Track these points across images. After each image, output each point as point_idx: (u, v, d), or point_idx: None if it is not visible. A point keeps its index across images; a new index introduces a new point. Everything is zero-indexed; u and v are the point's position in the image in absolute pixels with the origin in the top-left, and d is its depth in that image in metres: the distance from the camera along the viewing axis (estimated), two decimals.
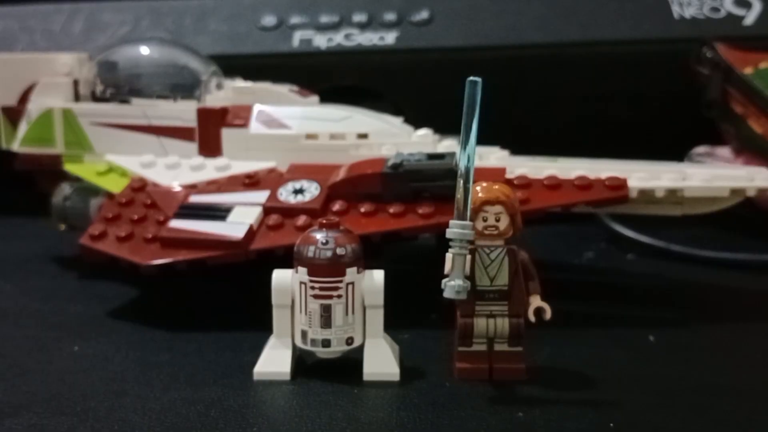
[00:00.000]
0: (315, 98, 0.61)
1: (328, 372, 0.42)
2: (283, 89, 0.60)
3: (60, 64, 0.61)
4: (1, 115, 0.64)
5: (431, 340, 0.47)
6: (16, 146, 0.62)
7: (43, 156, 0.60)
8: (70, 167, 0.59)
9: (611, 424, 0.37)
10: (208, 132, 0.57)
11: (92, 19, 0.80)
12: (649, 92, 0.74)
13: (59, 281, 0.58)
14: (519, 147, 0.57)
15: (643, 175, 0.50)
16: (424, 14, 0.76)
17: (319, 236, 0.41)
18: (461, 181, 0.39)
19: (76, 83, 0.61)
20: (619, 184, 0.49)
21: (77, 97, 0.61)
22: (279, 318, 0.42)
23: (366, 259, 0.42)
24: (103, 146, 0.59)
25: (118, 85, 0.60)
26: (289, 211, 0.50)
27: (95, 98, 0.60)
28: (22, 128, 0.62)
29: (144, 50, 0.62)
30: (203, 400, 0.39)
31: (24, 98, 0.62)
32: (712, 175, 0.50)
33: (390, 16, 0.76)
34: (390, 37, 0.75)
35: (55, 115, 0.60)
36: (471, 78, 0.38)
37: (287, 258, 0.44)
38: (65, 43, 0.78)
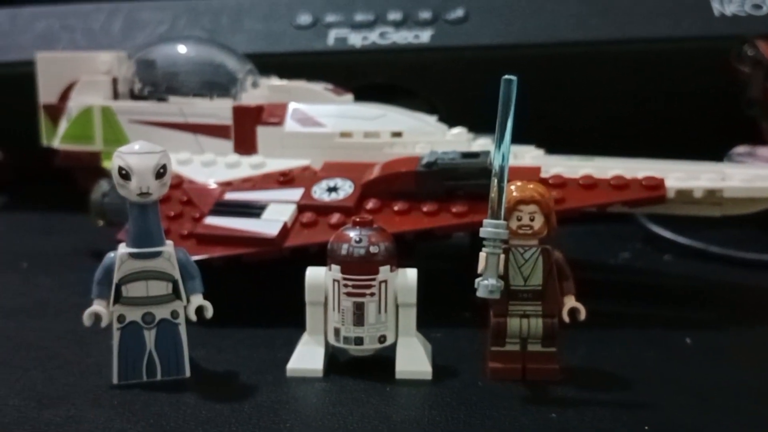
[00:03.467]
0: (349, 96, 0.62)
1: (360, 369, 0.42)
2: (318, 87, 0.61)
3: (100, 62, 0.63)
4: (43, 113, 0.65)
5: (463, 340, 0.47)
6: (56, 143, 0.63)
7: (83, 153, 0.61)
8: (108, 164, 0.60)
9: (646, 427, 0.36)
10: (244, 130, 0.58)
11: (131, 18, 0.81)
12: (688, 91, 0.73)
13: None
14: (554, 146, 0.57)
15: (681, 175, 0.50)
16: (459, 12, 0.76)
17: (353, 234, 0.41)
18: (496, 180, 0.38)
19: (115, 81, 0.62)
20: (656, 184, 0.48)
21: (116, 95, 0.62)
22: (312, 315, 0.43)
23: (399, 258, 0.42)
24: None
25: (155, 83, 0.61)
26: (323, 209, 0.50)
27: (133, 96, 0.61)
28: (63, 125, 0.63)
29: (181, 49, 0.63)
30: (237, 396, 0.40)
31: (64, 96, 0.63)
32: (752, 176, 0.49)
33: (425, 15, 0.76)
34: (425, 36, 0.75)
35: (94, 112, 0.61)
36: (506, 76, 0.38)
37: (321, 255, 0.44)
38: (105, 41, 0.79)
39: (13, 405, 0.38)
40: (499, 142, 0.38)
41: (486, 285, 0.38)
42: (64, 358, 0.44)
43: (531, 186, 0.40)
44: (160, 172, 0.39)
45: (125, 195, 0.40)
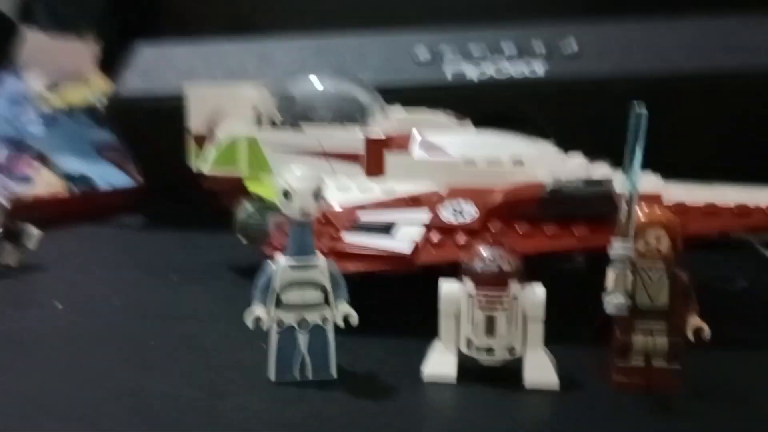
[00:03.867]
0: (471, 125, 0.66)
1: (490, 378, 0.46)
2: (442, 118, 0.65)
3: (245, 95, 0.69)
4: (192, 141, 0.73)
5: (586, 356, 0.49)
6: (205, 168, 0.70)
7: (229, 177, 0.68)
8: (252, 187, 0.66)
9: None
10: (375, 157, 0.62)
11: (264, 54, 0.88)
12: None
13: (241, 287, 0.65)
14: (671, 173, 0.58)
15: None
16: (573, 46, 0.79)
17: (486, 252, 0.45)
18: (626, 205, 0.41)
19: (258, 113, 0.69)
20: None
21: (259, 125, 0.69)
22: (446, 325, 0.46)
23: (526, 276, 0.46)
24: (281, 169, 0.65)
25: (294, 115, 0.67)
26: (450, 230, 0.54)
27: (274, 126, 0.68)
28: (211, 152, 0.70)
29: (317, 83, 0.69)
30: (380, 396, 0.44)
31: (212, 126, 0.70)
32: None
33: (539, 49, 0.79)
34: (539, 68, 0.78)
35: (240, 141, 0.67)
36: (638, 110, 0.41)
37: (448, 272, 0.48)
38: (240, 76, 0.86)
39: (186, 396, 0.44)
40: (629, 170, 0.41)
41: (613, 302, 0.41)
42: (224, 357, 0.50)
43: (658, 210, 0.43)
44: (317, 194, 0.44)
45: (287, 213, 0.45)
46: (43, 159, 0.98)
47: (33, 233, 0.72)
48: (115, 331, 0.55)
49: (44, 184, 0.94)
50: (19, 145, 0.98)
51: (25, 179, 0.93)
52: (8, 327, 0.56)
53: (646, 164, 0.56)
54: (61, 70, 1.18)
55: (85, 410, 0.42)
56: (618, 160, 0.42)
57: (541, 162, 0.59)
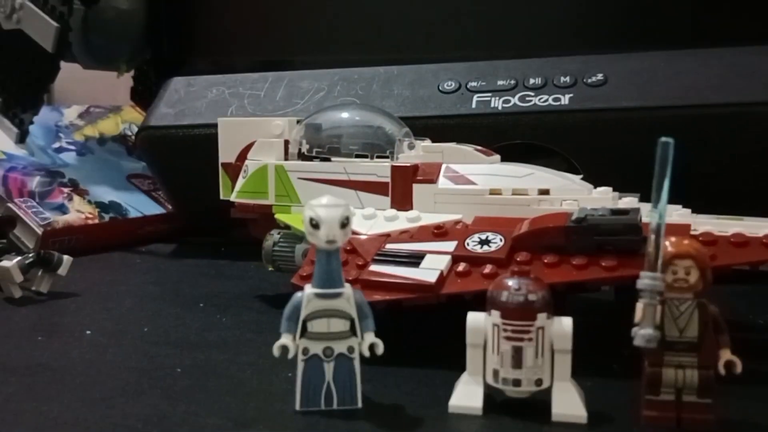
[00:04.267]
0: (497, 157, 0.66)
1: (517, 410, 0.45)
2: (468, 148, 0.65)
3: (273, 126, 0.70)
4: (222, 170, 0.74)
5: (614, 389, 0.49)
6: (233, 197, 0.71)
7: (257, 206, 0.69)
8: (279, 216, 0.67)
9: None
10: (401, 187, 0.63)
11: (292, 85, 0.89)
12: None
13: (267, 316, 0.66)
14: (698, 206, 0.58)
15: None
16: (599, 76, 0.79)
17: (512, 283, 0.45)
18: (653, 236, 0.41)
19: (286, 143, 0.70)
20: None
21: (287, 155, 0.69)
22: (472, 357, 0.46)
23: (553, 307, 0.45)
24: (309, 198, 0.65)
25: (321, 144, 0.68)
26: (476, 260, 0.54)
27: (301, 156, 0.68)
28: (240, 181, 0.71)
29: (344, 114, 0.70)
30: (405, 427, 0.44)
31: (242, 156, 0.71)
32: None
33: (565, 79, 0.80)
34: (565, 99, 0.78)
35: (268, 170, 0.68)
36: (663, 139, 0.41)
37: (474, 302, 0.47)
38: (269, 107, 0.88)
39: (213, 424, 0.44)
40: (656, 201, 0.41)
41: (643, 334, 0.41)
42: (250, 386, 0.50)
43: (686, 242, 0.42)
44: (344, 223, 0.45)
45: (314, 242, 0.45)
46: (75, 187, 1.00)
47: (64, 260, 0.73)
48: (142, 359, 0.56)
49: (76, 212, 0.96)
50: (52, 174, 1.00)
51: (58, 207, 0.95)
52: (38, 353, 0.57)
53: (675, 196, 0.56)
54: (95, 101, 1.21)
55: None
56: (646, 194, 0.41)
57: (567, 193, 0.59)
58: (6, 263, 0.71)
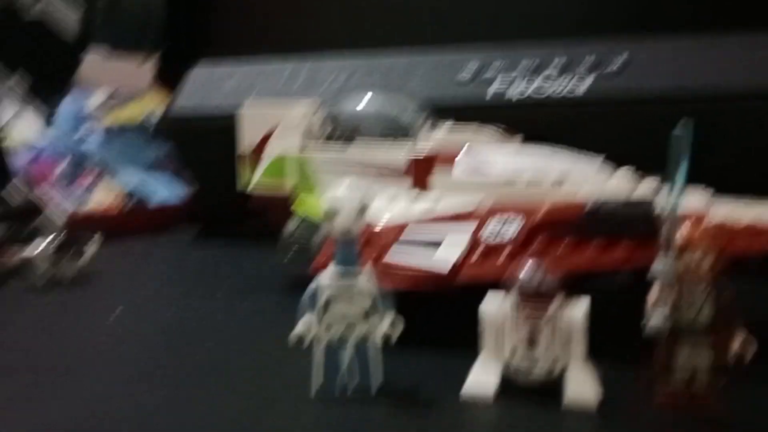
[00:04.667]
0: (518, 141, 0.66)
1: (531, 394, 0.46)
2: (489, 135, 0.65)
3: (294, 113, 0.71)
4: (242, 159, 0.75)
5: (628, 373, 0.49)
6: (252, 185, 0.72)
7: (277, 194, 0.70)
8: (298, 204, 0.68)
9: None
10: (419, 173, 0.63)
11: (311, 74, 0.90)
12: None
13: (285, 303, 0.66)
14: (719, 193, 0.58)
15: None
16: (618, 64, 0.78)
17: (528, 268, 0.45)
18: (668, 222, 0.41)
19: (306, 130, 0.70)
20: None
21: (307, 143, 0.70)
22: (487, 341, 0.47)
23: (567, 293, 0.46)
24: (328, 186, 0.66)
25: (341, 132, 0.68)
26: (493, 247, 0.55)
27: (320, 144, 0.69)
28: (259, 170, 0.72)
29: (363, 101, 0.70)
30: (421, 413, 0.44)
31: (261, 144, 0.72)
32: None
33: (582, 69, 0.79)
34: (581, 88, 0.78)
35: (287, 158, 0.69)
36: (680, 124, 0.41)
37: (491, 286, 0.48)
38: (288, 95, 0.88)
39: (232, 409, 0.45)
40: (672, 188, 0.41)
41: (656, 320, 0.41)
42: (269, 371, 0.51)
43: (702, 228, 0.43)
44: (362, 211, 0.45)
45: (332, 230, 0.46)
46: (100, 173, 1.02)
47: (90, 245, 0.75)
48: (165, 343, 0.57)
49: (101, 197, 0.98)
50: (78, 160, 1.02)
51: (84, 193, 0.97)
52: (64, 336, 0.58)
53: (694, 182, 0.56)
54: (119, 88, 1.22)
55: (137, 421, 0.43)
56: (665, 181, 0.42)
57: (583, 180, 0.59)
58: (32, 248, 0.73)
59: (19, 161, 0.94)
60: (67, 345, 0.57)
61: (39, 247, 0.73)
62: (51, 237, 0.82)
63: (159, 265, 0.85)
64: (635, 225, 0.51)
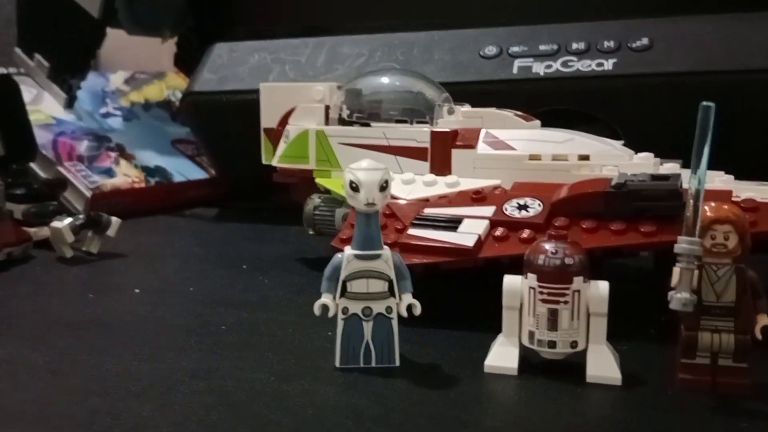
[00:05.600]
0: (537, 123, 0.66)
1: (552, 371, 0.46)
2: (509, 114, 0.65)
3: (314, 92, 0.71)
4: (264, 136, 0.75)
5: (650, 353, 0.49)
6: (275, 162, 0.73)
7: (298, 170, 0.70)
8: (320, 181, 0.68)
9: None
10: (440, 152, 0.63)
11: (333, 51, 0.90)
12: None
13: (308, 277, 0.68)
14: (742, 173, 0.57)
15: None
16: (644, 40, 0.78)
17: (549, 246, 0.45)
18: (691, 201, 0.41)
19: (327, 108, 0.71)
20: None
21: (327, 121, 0.71)
22: (508, 319, 0.47)
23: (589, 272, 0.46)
24: (349, 163, 0.66)
25: (361, 110, 0.68)
26: (514, 225, 0.55)
27: (342, 121, 0.69)
28: (281, 146, 0.72)
29: (384, 79, 0.70)
30: (442, 384, 0.45)
31: (284, 121, 0.73)
32: None
33: (609, 44, 0.79)
34: (608, 63, 0.78)
35: (309, 135, 0.69)
36: (704, 103, 0.41)
37: (511, 267, 0.48)
38: (310, 72, 0.89)
39: (256, 378, 0.46)
40: (696, 166, 0.41)
41: (680, 298, 0.41)
42: (292, 343, 0.52)
43: (726, 207, 0.42)
44: (383, 186, 0.46)
45: (354, 205, 0.46)
46: (122, 152, 1.03)
47: (113, 222, 0.76)
48: (189, 316, 0.58)
49: (123, 175, 0.99)
50: (100, 139, 1.03)
51: (106, 171, 0.98)
52: (91, 310, 0.59)
53: (718, 162, 0.56)
54: (140, 67, 1.23)
55: (163, 387, 0.44)
56: (690, 160, 0.41)
57: (607, 158, 0.59)
58: (57, 224, 0.74)
59: (43, 138, 0.96)
60: (95, 315, 0.58)
61: (65, 221, 0.74)
62: (76, 212, 0.83)
63: (183, 241, 0.86)
64: (660, 202, 0.50)
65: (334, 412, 0.41)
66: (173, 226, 0.94)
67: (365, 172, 0.46)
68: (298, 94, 0.72)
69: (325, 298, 0.47)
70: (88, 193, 0.92)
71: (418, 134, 0.64)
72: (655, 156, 0.60)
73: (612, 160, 0.59)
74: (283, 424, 0.40)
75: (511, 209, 0.56)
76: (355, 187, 0.46)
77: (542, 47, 0.81)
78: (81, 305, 0.61)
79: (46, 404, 0.42)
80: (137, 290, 0.65)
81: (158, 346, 0.51)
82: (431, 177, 0.62)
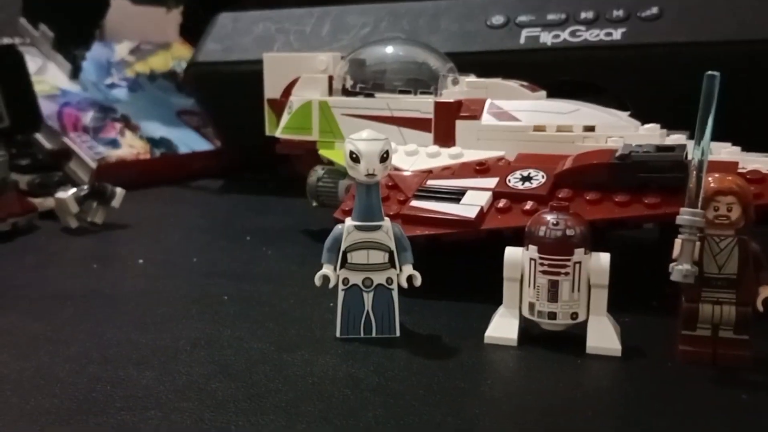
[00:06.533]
0: (543, 93, 0.65)
1: (552, 342, 0.46)
2: (514, 84, 0.65)
3: (318, 62, 0.71)
4: (267, 106, 0.75)
5: (652, 325, 0.49)
6: (278, 133, 0.73)
7: (301, 141, 0.70)
8: (323, 152, 0.68)
9: None
10: (444, 123, 0.63)
11: (338, 20, 0.89)
12: None
13: (310, 249, 0.68)
14: (751, 144, 0.57)
15: None
16: (653, 10, 0.77)
17: (550, 218, 0.45)
18: (694, 172, 0.41)
19: (330, 79, 0.70)
20: None
21: (331, 91, 0.70)
22: (509, 290, 0.47)
23: (591, 244, 0.46)
24: (352, 134, 0.67)
25: (365, 80, 0.68)
26: (517, 197, 0.54)
27: (345, 92, 0.69)
28: (284, 117, 0.72)
29: (388, 49, 0.70)
30: (442, 355, 0.45)
31: (287, 92, 0.72)
32: None
33: (618, 13, 0.77)
34: (617, 33, 0.77)
35: (313, 106, 0.69)
36: (709, 72, 0.40)
37: (514, 239, 0.48)
38: (315, 42, 0.88)
39: (257, 348, 0.46)
40: (700, 137, 0.40)
41: (680, 270, 0.41)
42: (292, 314, 0.52)
43: (729, 178, 0.42)
44: (384, 157, 0.46)
45: (354, 176, 0.46)
46: (127, 123, 1.03)
47: (117, 193, 0.76)
48: (192, 287, 0.58)
49: (128, 146, 0.99)
50: (105, 110, 1.03)
51: (111, 142, 0.98)
52: (94, 280, 0.60)
53: (726, 134, 0.55)
54: (145, 37, 1.23)
55: (163, 356, 0.45)
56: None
57: (613, 129, 0.58)
58: (62, 194, 0.74)
59: (48, 109, 0.96)
60: (99, 285, 0.58)
61: (70, 191, 0.74)
62: (81, 183, 0.83)
63: (187, 212, 0.86)
64: (665, 173, 0.50)
65: (333, 382, 0.42)
66: (178, 197, 0.94)
67: (365, 142, 0.46)
68: (301, 65, 0.72)
69: (326, 269, 0.47)
70: (93, 164, 0.92)
71: (422, 105, 0.64)
72: (662, 127, 0.59)
73: (618, 131, 0.58)
74: (282, 393, 0.40)
75: (514, 181, 0.56)
76: (355, 158, 0.46)
77: (550, 17, 0.80)
78: (85, 276, 0.61)
79: (46, 373, 0.43)
80: (141, 261, 0.65)
81: (160, 316, 0.52)
82: (435, 148, 0.62)
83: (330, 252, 0.47)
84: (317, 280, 0.47)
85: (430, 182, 0.58)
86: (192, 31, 1.18)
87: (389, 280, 0.47)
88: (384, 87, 0.67)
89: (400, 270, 0.47)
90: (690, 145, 0.51)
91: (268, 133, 0.75)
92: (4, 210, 0.72)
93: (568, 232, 0.45)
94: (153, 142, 1.02)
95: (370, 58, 0.69)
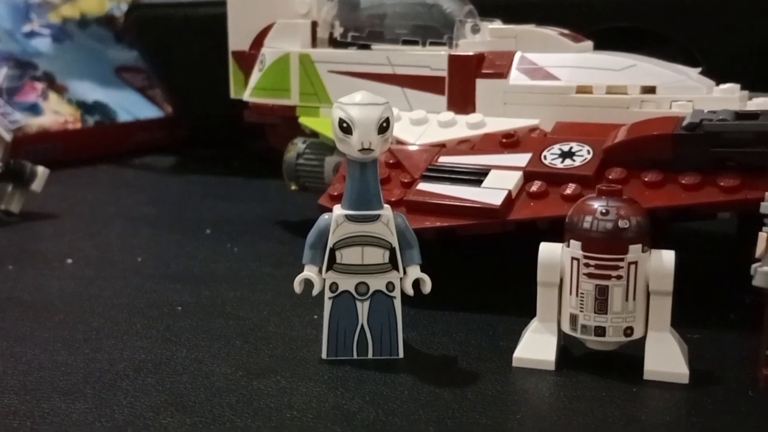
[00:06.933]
0: (589, 44, 0.65)
1: (599, 365, 0.46)
2: (551, 32, 0.65)
3: (297, 3, 0.71)
4: (232, 61, 0.75)
5: (728, 344, 0.49)
6: (246, 95, 0.72)
7: (276, 107, 0.70)
8: (304, 120, 0.68)
9: None
10: (461, 83, 0.63)
11: None
12: None
13: (288, 245, 0.68)
14: None
15: None
16: None
17: (598, 205, 0.45)
18: None
19: (314, 25, 0.70)
20: None
21: (315, 42, 0.70)
22: (544, 298, 0.47)
23: (652, 238, 0.46)
24: (342, 97, 0.67)
25: (359, 27, 0.68)
26: (556, 178, 0.54)
27: (333, 42, 0.69)
28: (255, 76, 0.72)
29: None
30: (457, 381, 0.45)
31: (258, 42, 0.72)
32: None
33: None
34: None
35: (291, 61, 0.69)
36: None
37: (550, 232, 0.48)
38: None
39: (220, 372, 0.47)
40: None
41: (765, 272, 0.41)
42: (266, 329, 0.52)
43: None
44: (383, 126, 0.46)
45: (345, 151, 0.46)
46: (51, 82, 1.03)
47: (39, 173, 0.76)
48: (135, 294, 0.58)
49: (53, 113, 0.99)
50: (22, 65, 1.03)
51: (31, 107, 0.98)
52: (9, 285, 0.60)
53: None
54: None
55: (98, 385, 0.45)
56: None
57: (679, 91, 0.58)
58: None
59: None
60: (16, 291, 0.58)
61: None
62: None
63: (131, 198, 0.86)
64: (747, 148, 0.50)
65: (318, 416, 0.42)
66: (117, 178, 0.94)
67: (359, 107, 0.46)
68: (277, 6, 0.71)
69: (309, 272, 0.47)
70: (8, 136, 0.92)
71: (433, 59, 0.64)
72: (743, 88, 0.59)
73: (685, 92, 0.58)
74: (252, 431, 0.40)
75: (551, 157, 0.56)
76: (346, 128, 0.46)
77: None
78: (6, 276, 0.61)
79: None
80: (69, 261, 0.65)
81: (94, 331, 0.52)
82: (449, 115, 0.62)
83: (313, 249, 0.47)
84: (297, 286, 0.47)
85: (443, 159, 0.58)
86: None
87: (390, 286, 0.47)
88: (383, 36, 0.67)
89: (404, 273, 0.47)
90: None
91: (233, 96, 0.75)
92: None
93: (621, 224, 0.45)
94: (85, 108, 1.02)
95: None
